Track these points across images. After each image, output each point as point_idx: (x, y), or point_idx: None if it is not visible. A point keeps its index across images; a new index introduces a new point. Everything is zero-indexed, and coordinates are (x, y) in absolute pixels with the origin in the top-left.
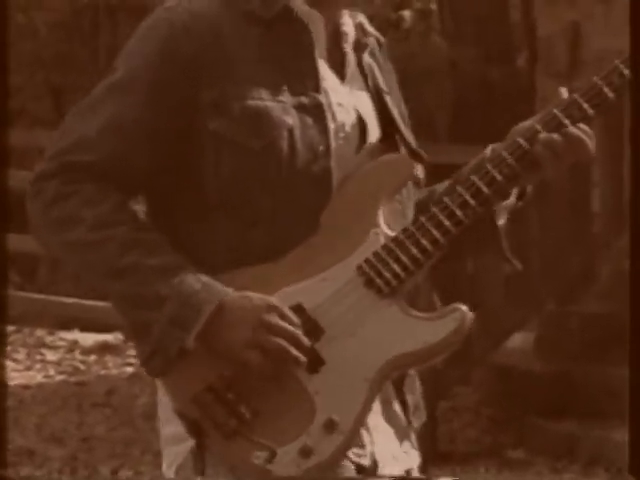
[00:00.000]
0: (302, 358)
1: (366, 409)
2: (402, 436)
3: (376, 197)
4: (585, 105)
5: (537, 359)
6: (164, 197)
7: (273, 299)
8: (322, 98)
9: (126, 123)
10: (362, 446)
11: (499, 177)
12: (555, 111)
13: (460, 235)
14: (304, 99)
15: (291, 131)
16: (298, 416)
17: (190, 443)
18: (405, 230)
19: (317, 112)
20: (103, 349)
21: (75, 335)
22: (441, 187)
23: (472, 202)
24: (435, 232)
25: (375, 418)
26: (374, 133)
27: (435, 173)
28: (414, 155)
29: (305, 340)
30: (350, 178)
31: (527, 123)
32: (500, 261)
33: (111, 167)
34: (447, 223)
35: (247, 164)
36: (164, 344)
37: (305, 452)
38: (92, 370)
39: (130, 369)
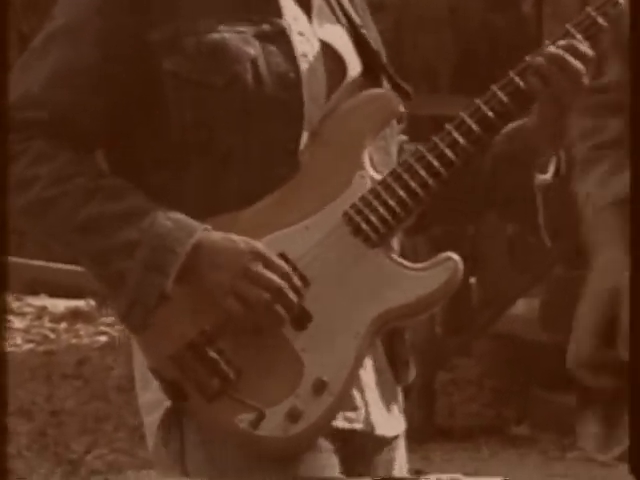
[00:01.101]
0: (285, 316)
1: (357, 367)
2: (390, 396)
3: (360, 136)
4: (579, 36)
5: (543, 327)
6: (125, 149)
7: (259, 244)
8: (285, 23)
9: (74, 72)
10: (355, 408)
11: (490, 114)
12: (546, 42)
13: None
14: (266, 26)
15: (254, 62)
16: (285, 376)
17: (162, 410)
18: (392, 172)
19: (281, 39)
20: (74, 316)
21: (44, 301)
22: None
23: (462, 141)
24: (424, 174)
25: (366, 376)
26: (354, 68)
27: (437, 126)
28: (399, 90)
29: (292, 294)
30: (331, 115)
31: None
32: (531, 235)
33: (62, 122)
34: (436, 164)
35: (211, 103)
36: (142, 292)
37: (293, 415)
38: (62, 339)
39: (103, 338)
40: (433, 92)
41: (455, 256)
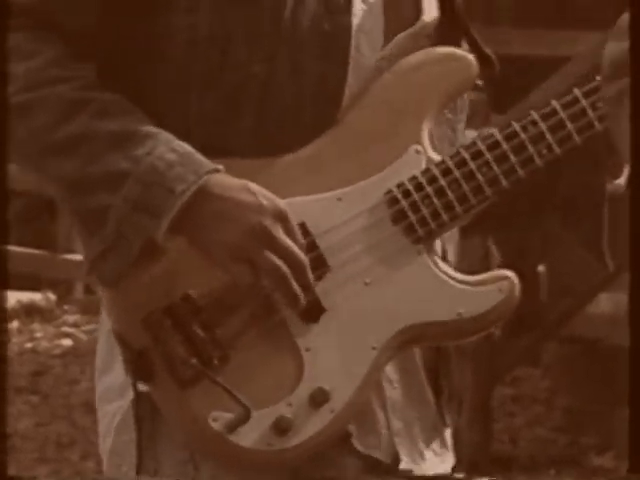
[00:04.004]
0: (302, 297)
1: (368, 384)
2: (430, 428)
3: (426, 101)
4: None
5: (633, 329)
6: (119, 56)
7: (283, 204)
8: None
9: None
10: (375, 432)
11: (590, 111)
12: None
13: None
14: None
15: None
16: (279, 376)
17: (129, 398)
18: (456, 155)
19: None
20: (29, 313)
21: None
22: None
23: (549, 138)
24: (496, 167)
25: (394, 393)
26: (430, 12)
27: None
28: (481, 56)
29: (310, 274)
30: (392, 68)
31: None
32: (590, 253)
33: (52, 9)
34: (513, 159)
35: (234, 15)
36: (123, 237)
37: (280, 427)
38: (14, 342)
39: (66, 342)
40: (491, 25)
41: (513, 275)
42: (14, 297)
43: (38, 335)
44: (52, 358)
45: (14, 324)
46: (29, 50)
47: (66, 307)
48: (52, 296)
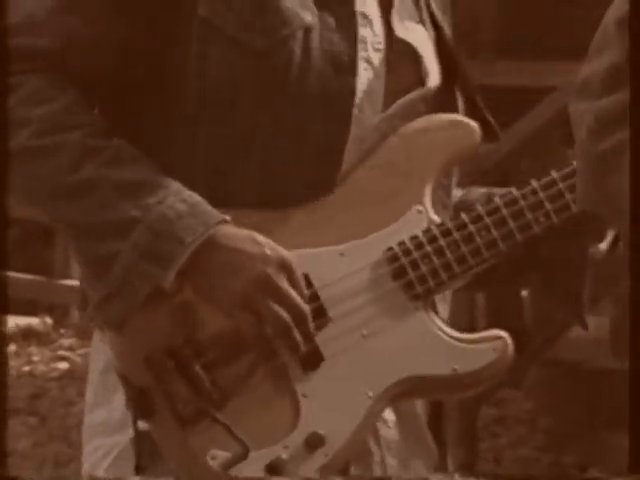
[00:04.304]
0: (303, 346)
1: (362, 431)
2: (431, 457)
3: (429, 165)
4: None
5: (614, 352)
6: (128, 102)
7: (288, 254)
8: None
9: (101, 3)
10: (369, 468)
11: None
12: None
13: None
14: None
15: (308, 31)
16: (276, 419)
17: (130, 434)
18: (457, 219)
19: (345, 11)
20: (26, 337)
21: None
22: (475, 190)
23: (548, 206)
24: (495, 233)
25: (389, 432)
26: (434, 79)
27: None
28: (484, 123)
29: (311, 324)
30: (399, 132)
31: None
32: (569, 313)
33: (67, 54)
34: (512, 225)
35: (243, 68)
36: (129, 284)
37: (275, 468)
38: (12, 365)
39: (63, 365)
40: (473, 57)
41: (506, 336)
42: (12, 321)
43: (35, 358)
44: (49, 381)
45: (12, 348)
46: (43, 95)
47: (62, 331)
48: (49, 320)
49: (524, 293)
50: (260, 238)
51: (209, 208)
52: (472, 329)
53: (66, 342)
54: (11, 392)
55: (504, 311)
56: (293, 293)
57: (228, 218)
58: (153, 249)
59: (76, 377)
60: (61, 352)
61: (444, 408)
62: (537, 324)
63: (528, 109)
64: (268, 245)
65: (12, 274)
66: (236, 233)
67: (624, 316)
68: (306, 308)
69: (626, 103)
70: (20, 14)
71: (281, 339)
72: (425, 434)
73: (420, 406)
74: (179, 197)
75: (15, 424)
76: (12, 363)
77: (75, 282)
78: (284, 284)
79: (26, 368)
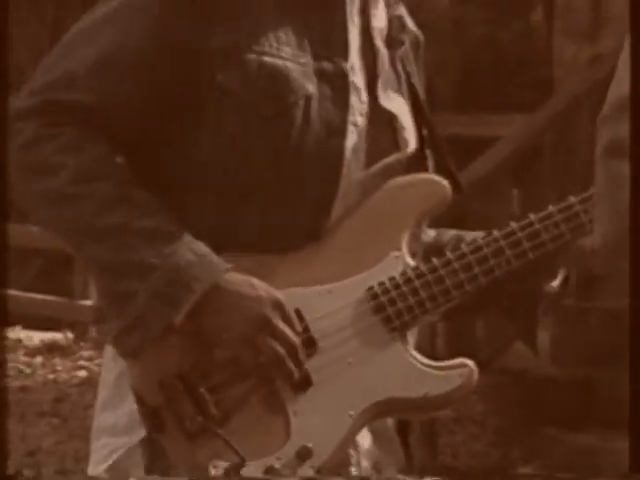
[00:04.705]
0: (296, 374)
1: (346, 445)
2: (398, 462)
3: (405, 217)
4: None
5: (553, 362)
6: (150, 155)
7: (280, 295)
8: (347, 67)
9: (123, 59)
10: (347, 469)
11: (544, 235)
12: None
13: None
14: (328, 65)
15: (309, 99)
16: (270, 435)
17: (135, 437)
18: (429, 263)
19: (339, 82)
20: (51, 350)
21: (18, 333)
22: (446, 233)
23: (508, 252)
24: (462, 276)
25: (364, 439)
26: (412, 144)
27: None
28: (453, 182)
29: (302, 354)
30: (382, 188)
31: None
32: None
33: (100, 109)
34: (477, 270)
35: (252, 129)
36: (145, 321)
37: (271, 475)
38: (38, 374)
39: (82, 373)
40: (433, 111)
41: (471, 363)
42: (38, 337)
43: (58, 368)
44: (70, 387)
45: (38, 359)
46: (80, 146)
47: (82, 344)
48: (70, 335)
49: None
50: (257, 282)
51: (215, 258)
52: (432, 353)
53: (85, 354)
54: (37, 397)
55: (461, 338)
56: (287, 329)
57: (230, 266)
58: (166, 293)
59: (94, 384)
60: (81, 362)
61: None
62: (487, 337)
63: (478, 156)
64: (263, 288)
65: (38, 296)
66: (237, 279)
67: (562, 331)
68: (297, 342)
69: None
70: (59, 71)
71: (277, 369)
72: (393, 438)
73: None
74: (189, 247)
75: (41, 424)
76: (39, 372)
77: (92, 302)
78: (278, 322)
79: (50, 376)
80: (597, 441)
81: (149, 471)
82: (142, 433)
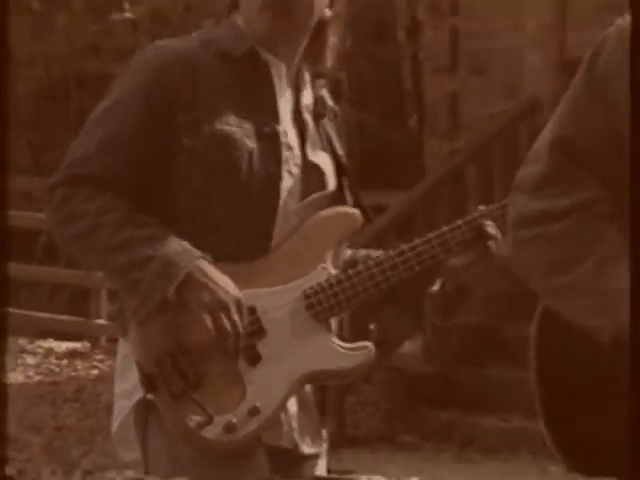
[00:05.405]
0: (234, 350)
1: (283, 403)
2: (313, 425)
3: (329, 240)
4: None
5: (425, 362)
6: (142, 202)
7: (239, 293)
8: (280, 129)
9: (120, 140)
10: (279, 429)
11: (425, 255)
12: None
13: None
14: (264, 128)
15: (251, 153)
16: (231, 397)
17: (137, 397)
18: (345, 272)
19: (274, 141)
20: (73, 355)
21: (50, 343)
22: (359, 252)
23: (401, 268)
24: (368, 283)
25: (293, 408)
26: (331, 184)
27: None
28: (363, 212)
29: (242, 340)
30: (311, 220)
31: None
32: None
33: (106, 176)
34: (380, 279)
35: (211, 179)
36: (151, 293)
37: (229, 428)
38: (64, 372)
39: (95, 372)
40: None
41: (371, 345)
42: (65, 345)
43: (79, 368)
44: (87, 381)
45: (64, 362)
46: (94, 197)
47: (95, 351)
48: (87, 345)
49: (372, 326)
50: (224, 277)
51: (194, 249)
52: (340, 336)
53: (98, 357)
54: (64, 388)
55: (362, 327)
56: (237, 319)
57: (207, 256)
58: (162, 272)
59: (104, 379)
60: (95, 364)
61: (326, 392)
62: (378, 345)
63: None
64: (231, 285)
65: (66, 317)
66: (211, 267)
67: (431, 342)
68: (241, 329)
69: (545, 210)
70: (76, 153)
71: (221, 343)
72: (313, 408)
73: (310, 390)
74: (175, 243)
75: (65, 408)
76: (64, 371)
77: (103, 321)
78: (234, 312)
79: (73, 374)
80: (456, 417)
81: (138, 422)
82: (139, 396)
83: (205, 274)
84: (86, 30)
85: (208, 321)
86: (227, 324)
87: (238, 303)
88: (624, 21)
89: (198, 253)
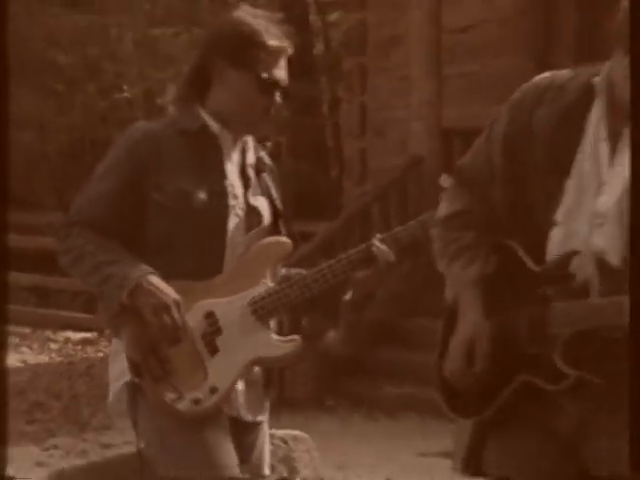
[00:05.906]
0: (174, 340)
1: (235, 383)
2: (257, 398)
3: (267, 263)
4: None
5: (344, 347)
6: (123, 239)
7: (178, 297)
8: (227, 184)
9: (109, 195)
10: (232, 403)
11: (338, 271)
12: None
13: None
14: (214, 185)
15: (204, 204)
16: (196, 379)
17: (125, 379)
18: (281, 285)
19: (222, 192)
20: (85, 342)
21: (68, 334)
22: (291, 270)
23: (321, 281)
24: (298, 292)
25: (240, 383)
26: (267, 221)
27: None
28: (293, 239)
29: (177, 335)
30: (254, 247)
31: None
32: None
33: (95, 222)
34: (305, 289)
35: (175, 223)
36: (111, 301)
37: (196, 402)
38: (78, 355)
39: (101, 354)
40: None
41: (299, 338)
42: (79, 335)
43: (89, 351)
44: (96, 361)
45: (79, 347)
46: (83, 235)
47: (101, 339)
48: (95, 334)
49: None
50: (169, 288)
51: (144, 265)
52: (280, 332)
53: (103, 344)
54: (78, 367)
55: (297, 325)
56: (177, 315)
57: (154, 271)
58: (120, 284)
59: (106, 360)
60: (101, 349)
61: (271, 373)
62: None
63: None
64: (172, 291)
65: (80, 314)
66: (157, 279)
67: (349, 330)
68: (177, 325)
69: (438, 216)
70: (78, 204)
71: (166, 334)
72: (259, 385)
73: (259, 371)
74: (133, 263)
75: (79, 381)
76: (78, 354)
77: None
78: (175, 311)
79: (84, 356)
80: (364, 387)
81: (134, 400)
82: (127, 378)
83: (151, 284)
84: (97, 106)
85: (153, 318)
86: (167, 319)
87: (177, 304)
88: (514, 96)
89: (150, 270)
